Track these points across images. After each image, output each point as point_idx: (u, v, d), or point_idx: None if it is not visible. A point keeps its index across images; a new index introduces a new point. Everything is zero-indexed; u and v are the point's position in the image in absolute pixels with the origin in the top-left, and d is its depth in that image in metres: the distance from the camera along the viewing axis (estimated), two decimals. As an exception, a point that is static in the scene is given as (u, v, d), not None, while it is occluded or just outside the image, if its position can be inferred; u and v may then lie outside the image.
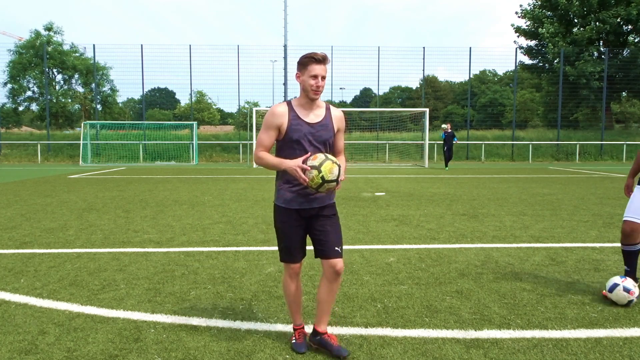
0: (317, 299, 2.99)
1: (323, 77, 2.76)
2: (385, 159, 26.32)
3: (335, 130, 2.93)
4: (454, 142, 20.48)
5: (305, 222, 2.93)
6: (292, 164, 2.70)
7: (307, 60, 2.74)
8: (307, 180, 2.64)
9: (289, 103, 2.86)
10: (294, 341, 3.00)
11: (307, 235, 2.98)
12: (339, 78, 56.98)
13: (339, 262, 2.87)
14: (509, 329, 3.26)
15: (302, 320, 3.10)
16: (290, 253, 2.94)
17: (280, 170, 2.84)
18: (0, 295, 3.91)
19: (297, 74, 2.80)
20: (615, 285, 3.61)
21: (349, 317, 3.46)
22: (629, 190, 3.91)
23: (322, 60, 2.74)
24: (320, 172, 2.63)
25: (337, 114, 2.94)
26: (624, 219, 3.75)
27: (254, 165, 21.31)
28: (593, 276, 4.46)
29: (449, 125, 20.42)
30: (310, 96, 2.78)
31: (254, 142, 22.10)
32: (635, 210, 3.67)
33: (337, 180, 2.68)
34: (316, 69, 2.73)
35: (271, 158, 2.82)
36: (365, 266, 4.80)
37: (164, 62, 30.14)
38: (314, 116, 2.85)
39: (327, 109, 2.91)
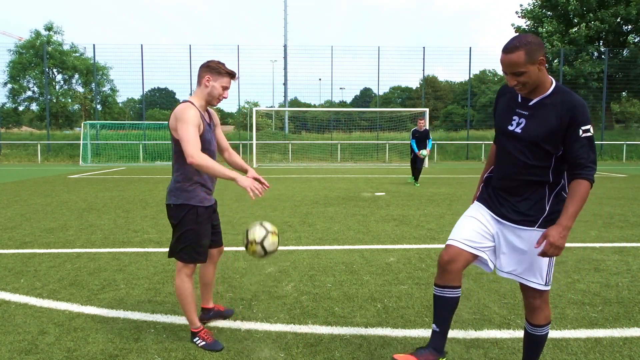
0: (204, 282, 3.30)
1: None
2: (385, 159, 26.32)
3: (214, 127, 3.10)
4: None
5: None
6: (249, 181, 2.74)
7: (225, 72, 2.89)
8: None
9: (192, 104, 2.87)
10: (203, 343, 2.94)
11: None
12: (339, 78, 57.04)
13: (222, 247, 3.33)
14: (509, 329, 3.26)
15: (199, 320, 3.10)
16: (206, 252, 3.05)
17: (208, 174, 2.87)
18: (0, 295, 3.92)
19: (207, 77, 2.87)
20: None
21: (349, 317, 3.47)
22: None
23: (234, 76, 2.96)
24: (263, 247, 2.87)
25: (212, 111, 3.13)
26: (447, 242, 2.47)
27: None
28: (593, 276, 4.47)
29: (421, 121, 12.88)
30: (212, 103, 2.93)
31: (254, 142, 22.11)
32: (468, 233, 2.44)
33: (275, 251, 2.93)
34: (229, 82, 2.93)
35: (220, 166, 2.72)
36: (365, 266, 4.80)
37: (164, 62, 30.28)
38: (208, 118, 3.02)
39: (207, 110, 3.07)
